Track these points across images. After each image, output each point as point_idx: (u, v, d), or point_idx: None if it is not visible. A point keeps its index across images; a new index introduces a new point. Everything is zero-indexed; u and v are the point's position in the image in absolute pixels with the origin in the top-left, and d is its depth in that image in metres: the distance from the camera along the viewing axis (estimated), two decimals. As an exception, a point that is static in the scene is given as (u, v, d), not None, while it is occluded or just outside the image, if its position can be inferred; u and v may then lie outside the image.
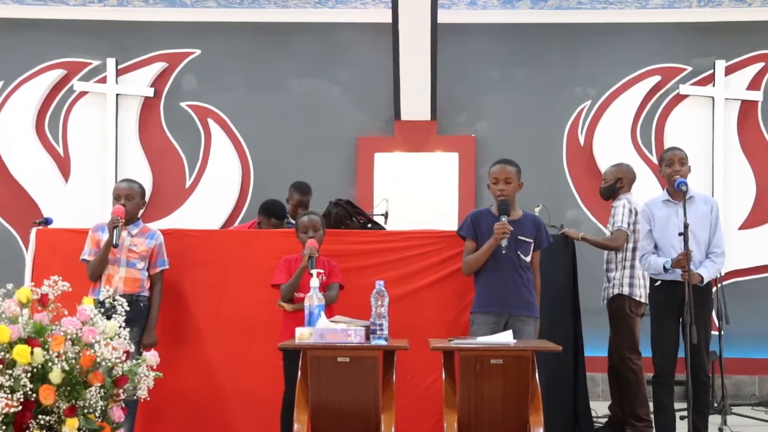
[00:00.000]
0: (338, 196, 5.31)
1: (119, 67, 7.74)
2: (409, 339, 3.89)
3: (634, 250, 5.22)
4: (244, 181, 7.71)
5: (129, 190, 4.57)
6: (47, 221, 5.42)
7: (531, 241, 4.31)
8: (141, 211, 4.72)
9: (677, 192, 4.54)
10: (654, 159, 7.39)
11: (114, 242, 4.34)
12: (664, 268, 4.42)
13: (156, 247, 4.58)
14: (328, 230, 4.63)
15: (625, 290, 5.25)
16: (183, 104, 7.78)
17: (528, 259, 4.30)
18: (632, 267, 5.24)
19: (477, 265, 4.28)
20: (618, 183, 5.45)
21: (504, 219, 4.16)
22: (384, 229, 5.24)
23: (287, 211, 5.55)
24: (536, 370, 3.66)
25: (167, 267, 4.61)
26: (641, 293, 5.21)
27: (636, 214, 5.17)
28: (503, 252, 4.16)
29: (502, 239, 4.12)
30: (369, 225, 5.16)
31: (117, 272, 4.45)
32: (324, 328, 3.61)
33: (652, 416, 5.01)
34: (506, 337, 3.76)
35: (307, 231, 4.39)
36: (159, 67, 7.76)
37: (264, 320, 4.54)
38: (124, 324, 3.08)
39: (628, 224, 5.20)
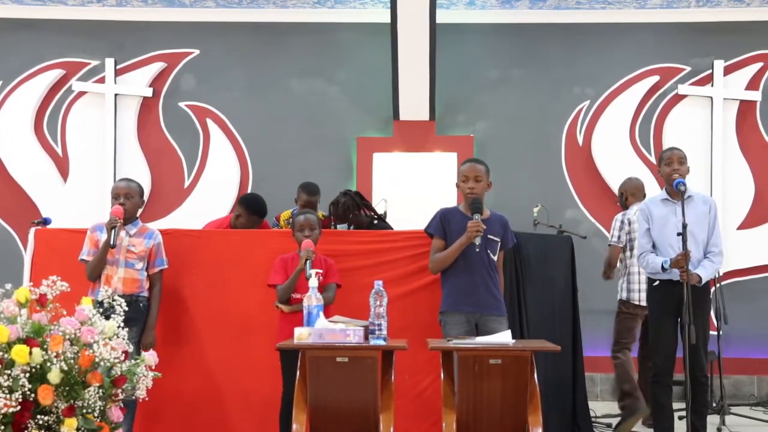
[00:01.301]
0: (337, 197, 5.30)
1: (118, 67, 7.73)
2: (408, 339, 3.89)
3: (631, 258, 5.50)
4: (242, 181, 7.70)
5: (128, 189, 4.57)
6: (46, 221, 5.42)
7: (499, 240, 4.32)
8: (140, 211, 4.71)
9: (676, 191, 4.54)
10: (653, 159, 7.39)
11: (112, 243, 4.32)
12: (662, 267, 4.42)
13: (154, 246, 4.58)
14: (325, 231, 4.62)
15: (624, 295, 5.60)
16: (182, 104, 7.77)
17: (495, 258, 4.31)
18: (629, 273, 5.57)
19: (446, 263, 4.26)
20: (621, 198, 5.87)
21: (477, 217, 4.16)
22: (391, 228, 5.22)
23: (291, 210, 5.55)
24: (535, 370, 3.66)
25: (166, 267, 4.61)
26: (640, 297, 5.44)
27: (630, 224, 5.51)
28: (477, 251, 4.15)
29: (475, 237, 4.11)
30: (375, 221, 5.15)
31: (116, 273, 4.45)
32: (323, 328, 3.61)
33: (636, 392, 5.34)
34: (505, 337, 3.76)
35: (303, 230, 4.36)
36: (158, 67, 7.74)
37: (263, 320, 4.53)
38: (123, 324, 3.08)
39: (618, 237, 5.59)
